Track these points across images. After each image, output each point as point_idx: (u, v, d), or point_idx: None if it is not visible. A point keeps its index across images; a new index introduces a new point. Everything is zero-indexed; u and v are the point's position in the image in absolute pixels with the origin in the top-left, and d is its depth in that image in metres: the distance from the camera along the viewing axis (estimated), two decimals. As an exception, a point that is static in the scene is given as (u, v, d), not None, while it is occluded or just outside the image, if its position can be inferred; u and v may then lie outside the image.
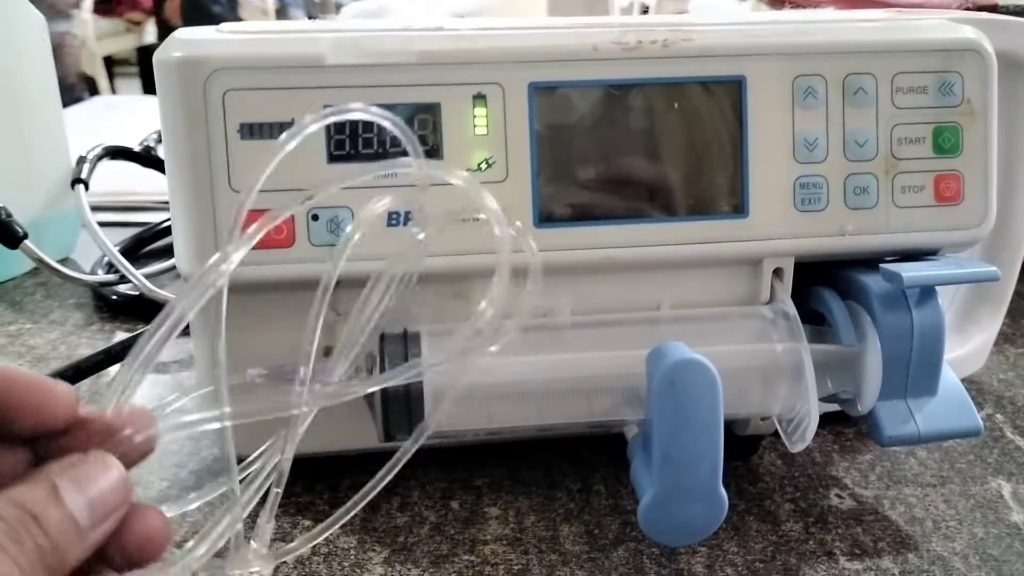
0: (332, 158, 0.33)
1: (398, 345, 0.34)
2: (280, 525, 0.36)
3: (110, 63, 3.21)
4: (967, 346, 0.47)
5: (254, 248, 0.33)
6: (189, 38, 0.34)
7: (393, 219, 0.34)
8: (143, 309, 0.57)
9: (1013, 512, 0.37)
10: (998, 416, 0.45)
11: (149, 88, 3.29)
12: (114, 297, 0.58)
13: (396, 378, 0.29)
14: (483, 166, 0.34)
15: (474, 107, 0.34)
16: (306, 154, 0.33)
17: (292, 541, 0.30)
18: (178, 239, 0.34)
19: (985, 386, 0.48)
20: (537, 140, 0.34)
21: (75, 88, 2.44)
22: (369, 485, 0.29)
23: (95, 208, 0.61)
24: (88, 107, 1.22)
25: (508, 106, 0.34)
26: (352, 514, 0.29)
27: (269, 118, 0.33)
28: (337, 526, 0.29)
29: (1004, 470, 0.40)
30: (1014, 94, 0.43)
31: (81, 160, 0.64)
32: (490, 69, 0.34)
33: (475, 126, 0.34)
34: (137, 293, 0.57)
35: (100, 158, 0.66)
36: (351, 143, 0.33)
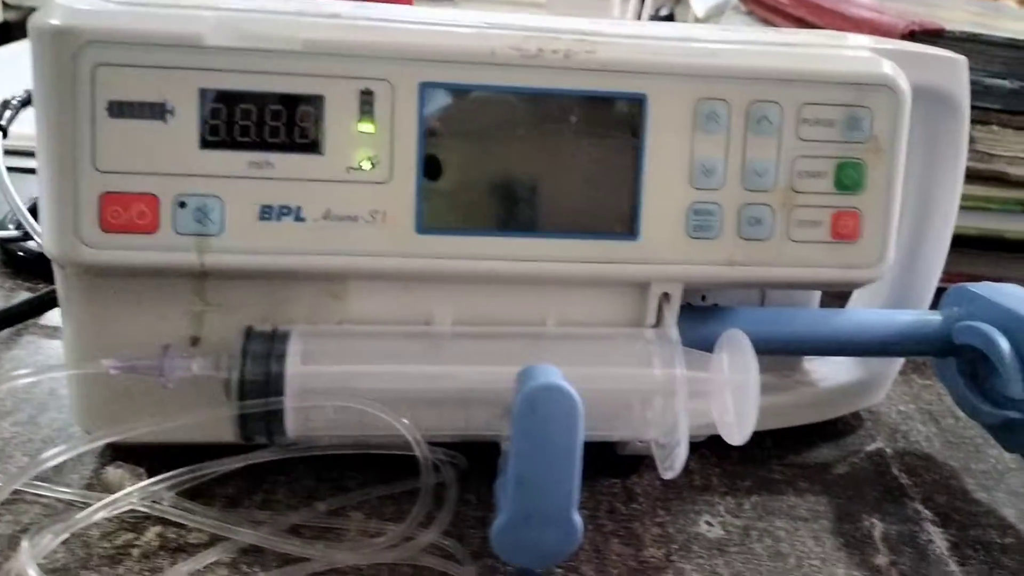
0: (205, 143, 0.32)
1: (262, 344, 0.33)
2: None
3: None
4: (868, 372, 0.46)
5: (114, 232, 0.32)
6: (68, 4, 0.32)
7: (266, 213, 0.33)
8: (48, 267, 0.55)
9: (879, 554, 0.37)
10: (888, 450, 0.45)
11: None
12: (20, 254, 0.57)
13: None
14: (366, 164, 0.33)
15: (360, 103, 0.33)
16: (177, 137, 0.32)
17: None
18: (42, 216, 0.33)
19: (883, 417, 0.48)
20: (425, 143, 0.33)
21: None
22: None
23: (8, 152, 0.59)
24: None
25: (396, 105, 0.33)
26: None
27: (140, 97, 0.31)
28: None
29: (880, 508, 0.40)
30: (935, 130, 0.42)
31: (3, 106, 0.62)
32: (379, 64, 0.33)
33: (360, 123, 0.33)
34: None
35: (24, 104, 0.64)
36: (226, 129, 0.32)
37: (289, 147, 0.32)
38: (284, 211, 0.33)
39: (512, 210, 0.34)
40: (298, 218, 0.33)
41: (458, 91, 0.33)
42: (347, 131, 0.33)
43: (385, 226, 0.33)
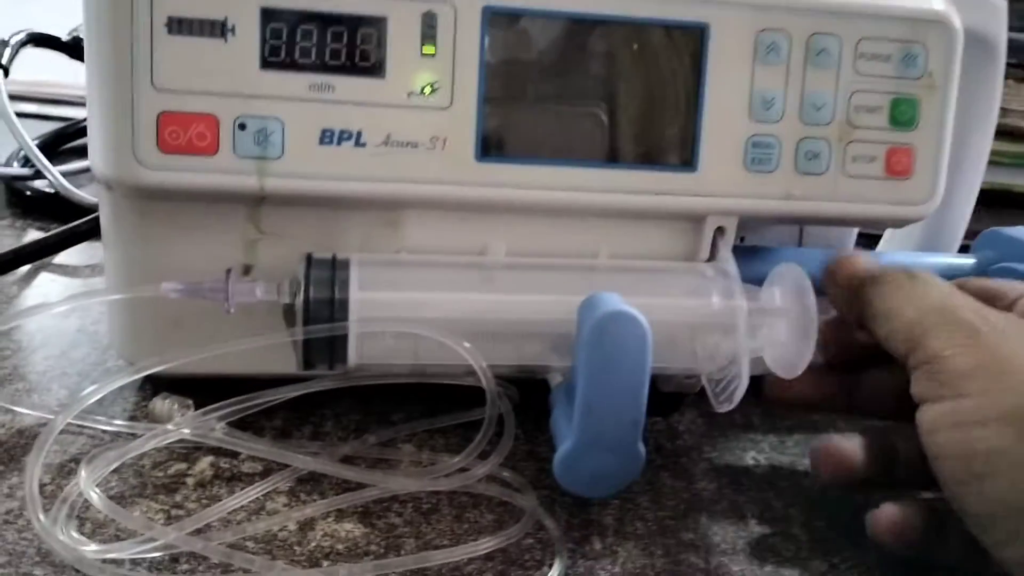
0: (265, 64, 0.31)
1: (324, 271, 0.32)
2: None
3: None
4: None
5: (173, 153, 0.31)
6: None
7: (326, 137, 0.32)
8: (58, 207, 0.54)
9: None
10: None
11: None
12: (28, 193, 0.55)
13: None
14: (427, 90, 0.32)
15: (423, 26, 0.32)
16: (238, 57, 0.31)
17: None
18: (93, 137, 0.32)
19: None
20: (486, 68, 0.33)
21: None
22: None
23: (14, 97, 0.57)
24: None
25: (459, 29, 0.32)
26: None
27: (199, 14, 0.30)
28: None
29: (916, 446, 0.41)
30: (973, 73, 0.42)
31: (2, 44, 0.60)
32: (443, -13, 0.32)
33: (422, 46, 0.32)
34: (53, 191, 0.54)
35: (24, 44, 0.62)
36: (287, 50, 0.31)
37: (351, 70, 0.32)
38: (345, 135, 0.32)
39: (571, 140, 0.34)
40: (359, 143, 0.32)
41: (521, 16, 0.33)
42: (409, 55, 0.32)
43: (445, 153, 0.33)
